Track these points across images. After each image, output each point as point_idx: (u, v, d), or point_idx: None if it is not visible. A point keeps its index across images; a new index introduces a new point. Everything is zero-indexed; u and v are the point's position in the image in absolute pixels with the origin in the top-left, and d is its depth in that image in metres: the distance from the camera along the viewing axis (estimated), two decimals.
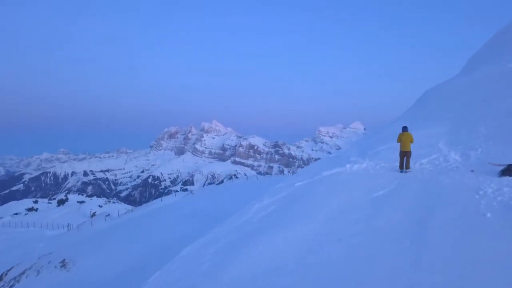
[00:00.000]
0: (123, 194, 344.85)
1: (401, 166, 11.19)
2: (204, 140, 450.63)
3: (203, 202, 29.97)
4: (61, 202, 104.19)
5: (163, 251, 17.89)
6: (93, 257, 20.45)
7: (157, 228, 24.64)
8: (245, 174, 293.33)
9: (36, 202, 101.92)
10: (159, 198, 42.75)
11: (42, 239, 42.01)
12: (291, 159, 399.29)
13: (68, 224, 48.42)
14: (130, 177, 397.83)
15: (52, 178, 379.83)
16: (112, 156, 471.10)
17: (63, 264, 20.31)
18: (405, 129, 11.80)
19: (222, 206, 25.80)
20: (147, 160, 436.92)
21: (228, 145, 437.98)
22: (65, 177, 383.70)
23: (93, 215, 53.62)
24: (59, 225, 52.05)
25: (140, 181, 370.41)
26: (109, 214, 45.03)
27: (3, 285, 23.14)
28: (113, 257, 19.32)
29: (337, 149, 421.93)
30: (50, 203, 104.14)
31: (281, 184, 13.07)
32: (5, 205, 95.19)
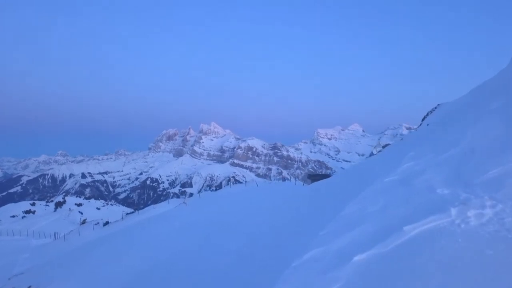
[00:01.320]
0: (122, 196, 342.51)
1: None
2: (203, 142, 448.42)
3: (197, 214, 27.42)
4: (58, 205, 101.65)
5: (147, 277, 15.34)
6: (65, 282, 17.87)
7: (145, 243, 22.10)
8: (243, 177, 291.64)
9: (33, 204, 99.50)
10: (152, 206, 40.26)
11: (26, 249, 39.45)
12: (289, 161, 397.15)
13: (55, 233, 45.86)
14: (129, 179, 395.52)
15: (50, 180, 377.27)
16: (111, 158, 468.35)
17: None
18: None
19: (219, 219, 23.23)
20: (146, 162, 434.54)
21: (227, 147, 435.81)
22: (63, 179, 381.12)
23: (83, 222, 51.14)
24: (46, 234, 49.45)
25: (138, 183, 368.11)
26: (98, 223, 42.64)
27: None
28: (87, 284, 16.76)
29: (336, 151, 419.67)
30: (48, 205, 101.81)
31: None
32: (2, 208, 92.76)
